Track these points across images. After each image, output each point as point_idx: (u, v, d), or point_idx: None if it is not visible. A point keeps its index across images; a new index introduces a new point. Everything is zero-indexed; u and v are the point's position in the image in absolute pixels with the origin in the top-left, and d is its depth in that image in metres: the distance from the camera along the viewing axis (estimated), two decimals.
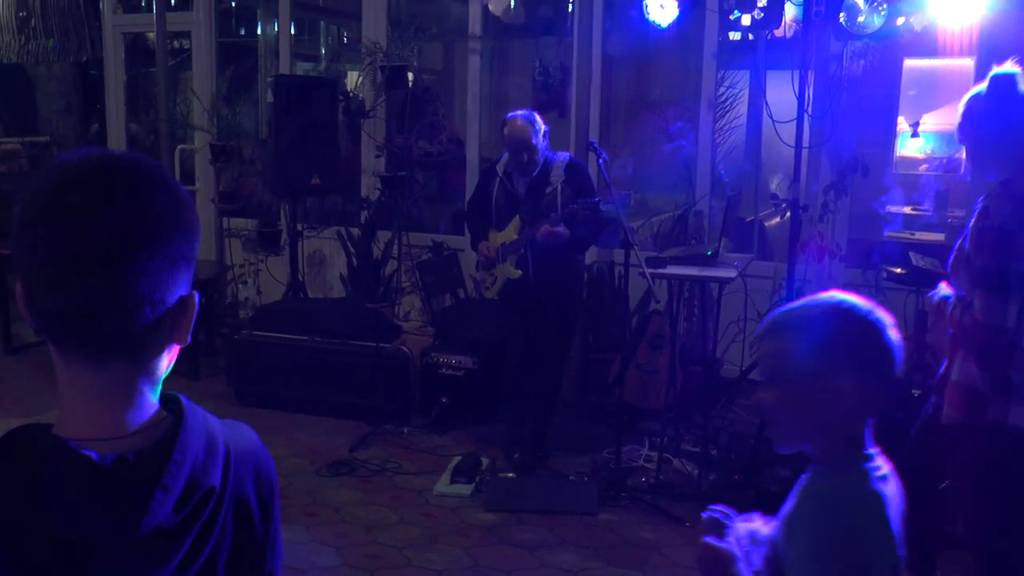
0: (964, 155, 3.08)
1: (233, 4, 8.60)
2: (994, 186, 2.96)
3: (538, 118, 4.94)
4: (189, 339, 1.10)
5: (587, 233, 4.89)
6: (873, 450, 1.69)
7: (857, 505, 1.61)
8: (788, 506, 1.73)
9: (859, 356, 1.65)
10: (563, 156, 5.00)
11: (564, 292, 5.04)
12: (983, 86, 2.99)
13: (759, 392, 1.74)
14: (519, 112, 4.95)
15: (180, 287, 1.06)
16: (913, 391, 4.35)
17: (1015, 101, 2.94)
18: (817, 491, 1.67)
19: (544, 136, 4.94)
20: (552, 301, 4.98)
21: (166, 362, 1.11)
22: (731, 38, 6.31)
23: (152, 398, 1.09)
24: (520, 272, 4.91)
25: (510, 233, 4.93)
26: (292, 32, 7.94)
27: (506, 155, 5.05)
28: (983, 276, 2.89)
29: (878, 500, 1.60)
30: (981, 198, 2.99)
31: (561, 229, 4.73)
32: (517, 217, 4.91)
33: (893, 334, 1.68)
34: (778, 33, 5.83)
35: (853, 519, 1.58)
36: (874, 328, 1.66)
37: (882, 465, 1.68)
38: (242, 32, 8.88)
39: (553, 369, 5.14)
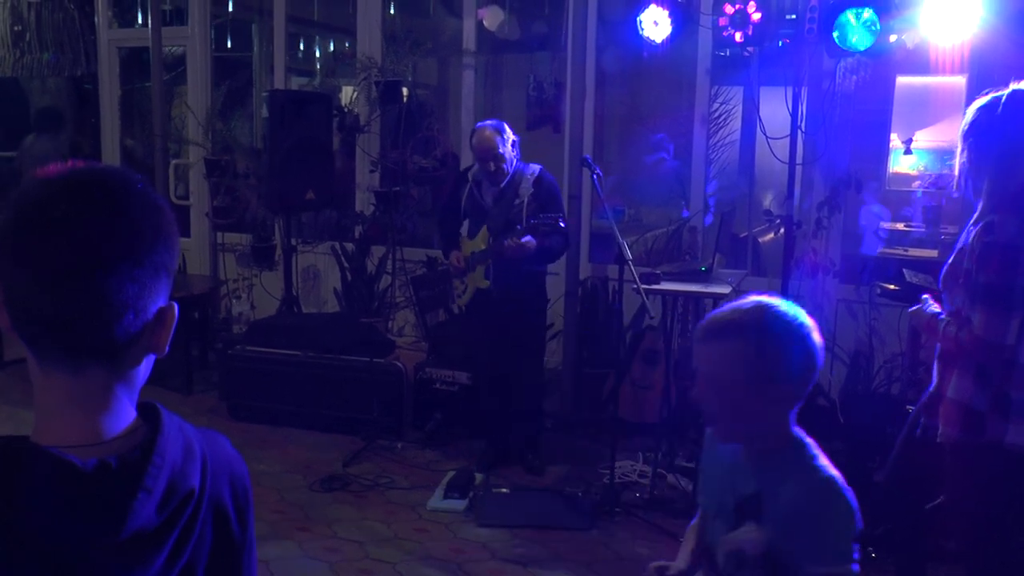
0: (964, 161, 2.96)
1: (228, 19, 8.61)
2: (999, 201, 2.88)
3: (507, 128, 4.96)
4: (167, 349, 1.12)
5: (554, 245, 4.90)
6: (797, 430, 1.86)
7: (832, 483, 1.77)
8: (752, 497, 1.84)
9: (792, 365, 1.78)
10: (534, 168, 4.99)
11: (528, 310, 5.03)
12: (1001, 100, 2.88)
13: (696, 391, 1.87)
14: (488, 121, 4.99)
15: (160, 297, 1.08)
16: (907, 407, 4.35)
17: None
18: (791, 484, 1.79)
19: (514, 145, 4.95)
20: (517, 320, 4.98)
21: (144, 371, 1.13)
22: (726, 54, 6.34)
23: (130, 405, 1.11)
24: (488, 282, 4.92)
25: (479, 243, 4.94)
26: (287, 47, 7.95)
27: (476, 164, 5.08)
28: (986, 291, 2.83)
29: (835, 478, 1.79)
30: (980, 212, 2.93)
31: (528, 240, 4.74)
32: (485, 228, 4.92)
33: (816, 337, 1.80)
34: (771, 50, 5.86)
35: (840, 496, 1.76)
36: (806, 337, 1.78)
37: (809, 442, 1.86)
38: (237, 47, 8.90)
39: (531, 385, 5.14)
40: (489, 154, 4.86)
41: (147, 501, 1.01)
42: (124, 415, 1.09)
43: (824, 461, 1.82)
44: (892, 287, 4.82)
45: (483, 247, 4.91)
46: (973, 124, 2.93)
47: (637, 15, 5.45)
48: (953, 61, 5.31)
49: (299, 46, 9.17)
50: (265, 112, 6.39)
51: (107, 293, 1.02)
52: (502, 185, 4.94)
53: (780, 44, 5.28)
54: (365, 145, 7.18)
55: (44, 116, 8.64)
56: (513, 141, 4.95)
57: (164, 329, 1.10)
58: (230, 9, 8.50)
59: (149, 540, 1.03)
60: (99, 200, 1.03)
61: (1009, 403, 2.91)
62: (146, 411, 1.12)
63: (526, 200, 4.85)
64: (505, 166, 4.89)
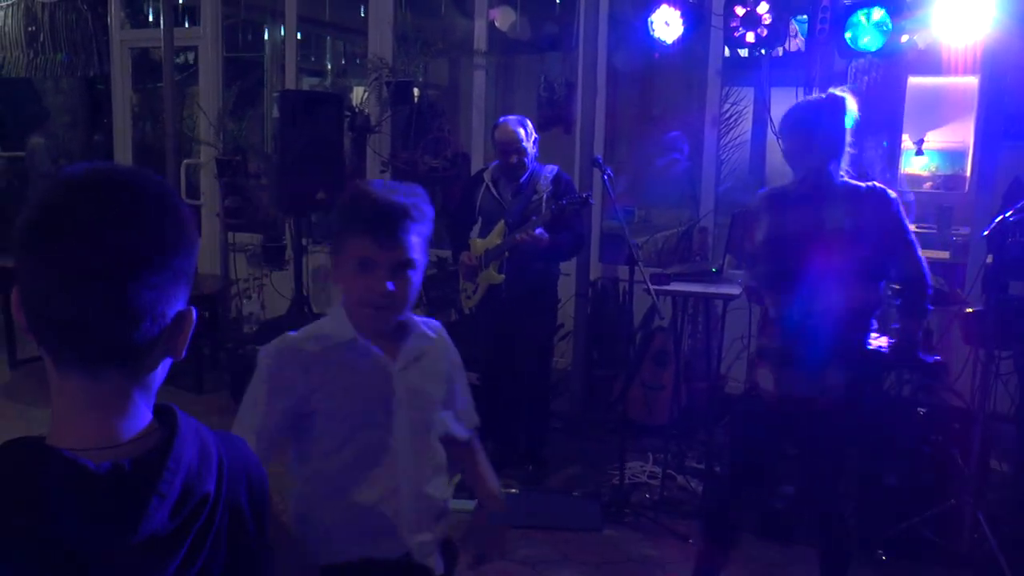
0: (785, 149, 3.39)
1: (240, 19, 8.64)
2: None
3: (529, 123, 4.96)
4: (184, 353, 1.12)
5: (568, 241, 4.89)
6: None
7: None
8: None
9: None
10: (551, 168, 5.00)
11: (539, 310, 5.01)
12: (816, 104, 3.34)
13: None
14: (510, 116, 4.99)
15: (179, 302, 1.08)
16: (919, 409, 4.34)
17: (841, 119, 3.25)
18: None
19: (535, 143, 4.95)
20: (527, 320, 4.97)
21: (160, 374, 1.12)
22: (737, 55, 6.33)
23: (146, 409, 1.10)
24: (503, 276, 4.90)
25: (493, 239, 4.91)
26: (298, 47, 7.97)
27: (493, 164, 5.07)
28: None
29: None
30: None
31: (541, 232, 4.70)
32: (502, 222, 4.90)
33: None
34: (782, 50, 5.85)
35: None
36: None
37: None
38: (248, 47, 8.93)
39: (538, 386, 5.14)
40: (512, 147, 4.86)
41: (161, 505, 1.01)
42: (140, 418, 1.09)
43: None
44: None
45: (498, 241, 4.89)
46: (789, 121, 3.33)
47: (648, 16, 5.44)
48: (965, 61, 5.30)
49: (310, 46, 9.19)
50: (276, 112, 6.40)
51: (128, 298, 1.01)
52: (521, 180, 4.94)
53: (789, 48, 5.26)
54: (376, 145, 7.19)
55: (33, 116, 8.70)
56: (535, 139, 4.96)
57: (182, 333, 1.09)
58: (242, 10, 8.53)
59: (163, 544, 1.03)
60: (125, 205, 1.02)
61: (761, 352, 3.32)
62: (162, 413, 1.12)
63: (544, 196, 4.86)
64: (526, 160, 4.90)
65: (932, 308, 3.35)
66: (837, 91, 3.28)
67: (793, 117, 3.31)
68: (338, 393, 1.93)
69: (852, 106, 3.25)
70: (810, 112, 3.29)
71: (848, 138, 3.25)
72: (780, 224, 3.28)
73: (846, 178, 3.27)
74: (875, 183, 3.27)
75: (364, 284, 1.90)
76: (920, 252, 3.22)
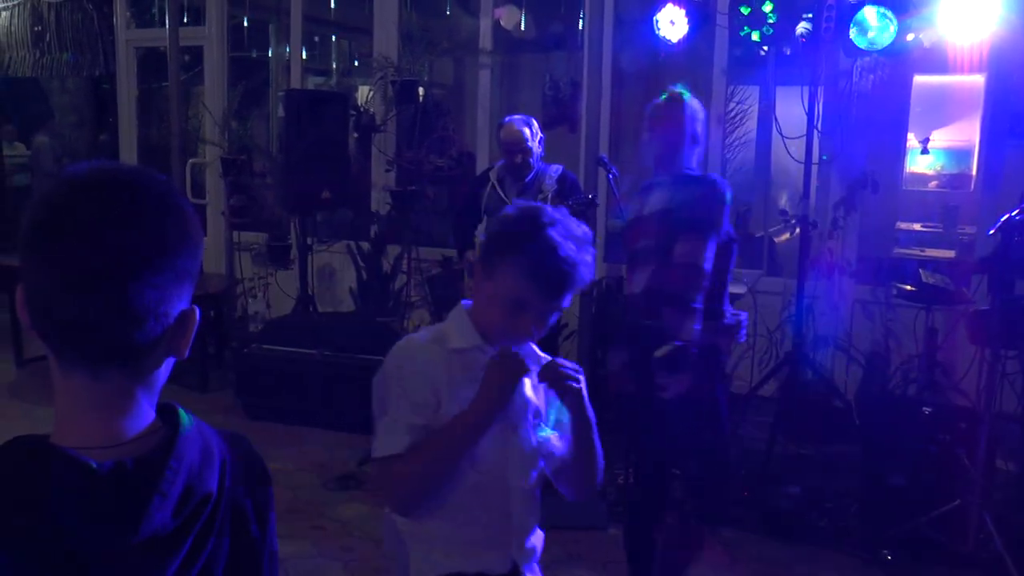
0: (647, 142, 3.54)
1: (245, 19, 8.65)
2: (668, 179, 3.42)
3: (535, 123, 4.97)
4: (187, 353, 1.11)
5: None
6: None
7: None
8: None
9: None
10: (556, 168, 5.02)
11: None
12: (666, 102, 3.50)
13: None
14: (516, 116, 5.00)
15: (182, 301, 1.07)
16: (924, 409, 4.33)
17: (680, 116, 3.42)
18: None
19: (540, 143, 4.96)
20: None
21: (163, 373, 1.12)
22: (742, 54, 6.32)
23: (149, 408, 1.10)
24: None
25: None
26: (303, 47, 7.97)
27: (498, 163, 5.08)
28: None
29: None
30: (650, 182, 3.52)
31: None
32: None
33: None
34: (788, 49, 5.84)
35: None
36: None
37: None
38: (254, 47, 8.93)
39: None
40: (517, 147, 4.87)
41: (162, 505, 1.01)
42: (143, 417, 1.09)
43: None
44: (909, 287, 4.80)
45: None
46: (651, 118, 3.51)
47: (654, 14, 5.43)
48: (971, 60, 5.28)
49: (316, 46, 9.20)
50: (281, 112, 6.42)
51: (130, 298, 1.01)
52: (526, 180, 4.95)
53: (799, 38, 5.23)
54: (381, 145, 7.18)
55: (38, 115, 8.74)
56: (540, 138, 4.97)
57: (185, 333, 1.09)
58: (247, 9, 8.53)
59: (164, 543, 1.02)
60: (127, 204, 1.02)
61: None
62: (165, 412, 1.12)
63: (550, 195, 4.86)
64: (532, 160, 4.91)
65: (700, 307, 3.14)
66: (676, 91, 3.48)
67: (645, 116, 3.54)
68: (459, 396, 1.92)
69: (694, 103, 3.45)
70: (654, 112, 3.50)
71: (698, 130, 3.42)
72: (626, 212, 3.60)
73: (693, 170, 3.40)
74: (716, 176, 3.47)
75: (512, 321, 1.91)
76: (706, 245, 3.15)
